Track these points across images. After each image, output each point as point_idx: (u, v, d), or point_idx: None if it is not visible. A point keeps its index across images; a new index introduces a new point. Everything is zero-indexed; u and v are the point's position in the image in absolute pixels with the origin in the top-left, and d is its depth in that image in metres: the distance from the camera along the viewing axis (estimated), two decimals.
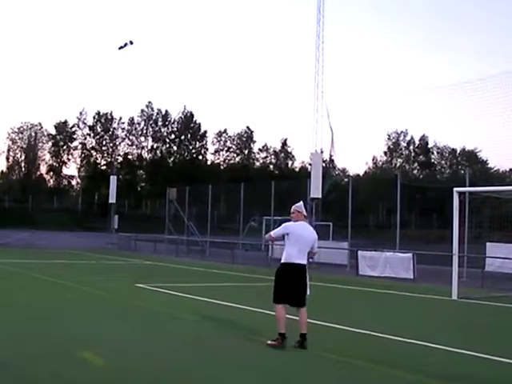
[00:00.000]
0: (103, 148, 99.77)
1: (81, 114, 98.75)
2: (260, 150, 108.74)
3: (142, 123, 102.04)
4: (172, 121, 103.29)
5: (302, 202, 9.82)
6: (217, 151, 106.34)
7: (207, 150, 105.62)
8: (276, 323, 9.06)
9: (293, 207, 9.66)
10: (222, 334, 9.02)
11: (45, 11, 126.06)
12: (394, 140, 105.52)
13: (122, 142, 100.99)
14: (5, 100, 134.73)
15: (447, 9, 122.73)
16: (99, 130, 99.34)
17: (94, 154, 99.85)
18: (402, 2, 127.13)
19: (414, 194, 69.54)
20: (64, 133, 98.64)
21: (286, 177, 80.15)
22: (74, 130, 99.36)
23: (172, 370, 7.65)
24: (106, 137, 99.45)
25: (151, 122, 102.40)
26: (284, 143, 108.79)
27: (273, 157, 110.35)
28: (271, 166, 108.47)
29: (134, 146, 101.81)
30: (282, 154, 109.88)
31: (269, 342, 8.99)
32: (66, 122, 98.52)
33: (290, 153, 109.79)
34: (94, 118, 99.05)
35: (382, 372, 7.91)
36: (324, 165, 38.51)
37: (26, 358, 7.95)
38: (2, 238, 40.34)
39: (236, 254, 32.06)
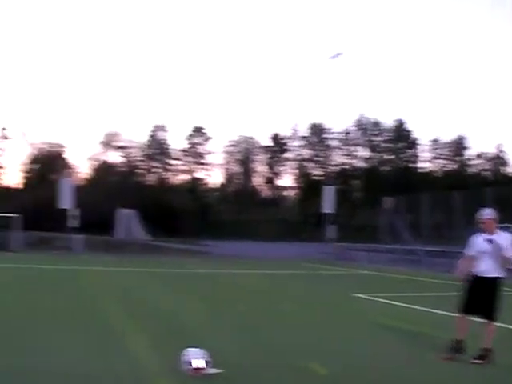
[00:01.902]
0: (316, 159, 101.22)
1: (294, 125, 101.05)
2: (476, 156, 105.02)
3: (356, 133, 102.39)
4: (385, 130, 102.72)
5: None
6: (431, 159, 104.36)
7: (418, 157, 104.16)
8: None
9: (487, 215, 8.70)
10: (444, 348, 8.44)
11: (262, 27, 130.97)
12: None
13: (336, 152, 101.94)
14: (222, 115, 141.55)
15: None
16: (313, 140, 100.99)
17: (308, 164, 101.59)
18: None
19: None
20: (278, 145, 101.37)
21: (502, 183, 76.52)
22: (287, 141, 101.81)
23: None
24: (319, 148, 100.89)
25: (364, 132, 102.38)
26: (500, 149, 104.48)
27: (488, 163, 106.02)
28: (486, 173, 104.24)
29: (349, 156, 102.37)
30: (498, 160, 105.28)
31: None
32: (279, 134, 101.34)
33: (508, 159, 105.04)
34: (307, 129, 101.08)
35: None
36: None
37: (251, 366, 7.95)
38: (219, 249, 42.23)
39: (455, 264, 30.67)
